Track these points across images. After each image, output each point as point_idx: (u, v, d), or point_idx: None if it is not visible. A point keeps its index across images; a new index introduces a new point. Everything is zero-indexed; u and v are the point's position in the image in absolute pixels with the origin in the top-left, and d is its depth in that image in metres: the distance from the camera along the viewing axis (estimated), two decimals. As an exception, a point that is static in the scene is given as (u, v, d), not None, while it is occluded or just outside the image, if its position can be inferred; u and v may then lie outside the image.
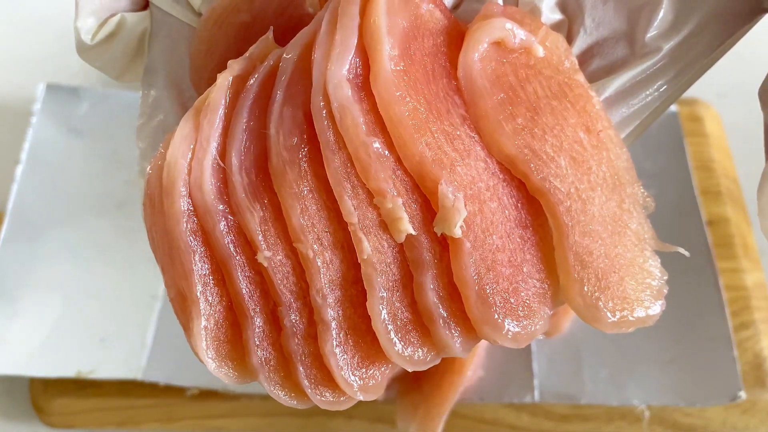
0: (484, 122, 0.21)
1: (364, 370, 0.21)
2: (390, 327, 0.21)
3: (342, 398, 0.22)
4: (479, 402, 0.43)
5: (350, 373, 0.21)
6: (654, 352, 0.44)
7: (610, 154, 0.22)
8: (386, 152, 0.21)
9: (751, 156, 0.53)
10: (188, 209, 0.22)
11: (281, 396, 0.22)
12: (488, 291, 0.20)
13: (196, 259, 0.22)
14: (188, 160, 0.22)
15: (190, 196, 0.22)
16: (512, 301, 0.21)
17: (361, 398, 0.21)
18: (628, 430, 0.43)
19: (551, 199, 0.21)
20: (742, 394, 0.41)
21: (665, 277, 0.21)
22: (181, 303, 0.22)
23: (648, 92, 0.22)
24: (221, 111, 0.23)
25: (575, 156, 0.21)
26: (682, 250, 0.22)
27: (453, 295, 0.21)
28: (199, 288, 0.22)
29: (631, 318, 0.21)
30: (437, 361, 0.22)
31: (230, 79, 0.23)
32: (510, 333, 0.20)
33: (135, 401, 0.45)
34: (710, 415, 0.43)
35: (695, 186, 0.49)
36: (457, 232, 0.20)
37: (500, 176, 0.21)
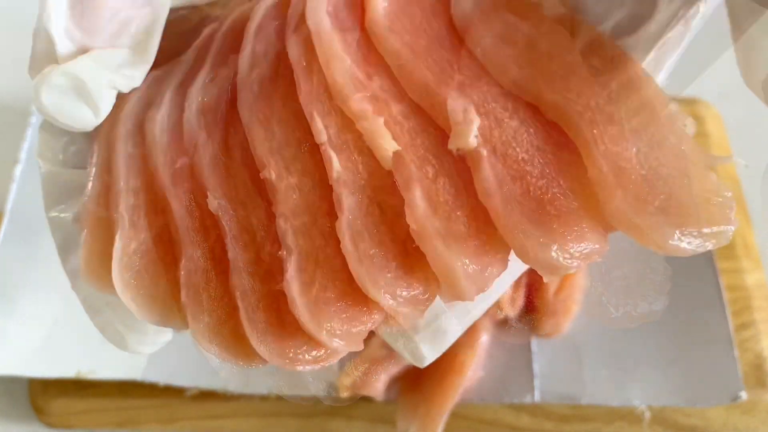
0: (482, 48, 0.20)
1: (335, 310, 0.17)
2: (361, 246, 0.17)
3: (304, 350, 0.17)
4: (479, 402, 0.43)
5: (317, 307, 0.17)
6: (654, 352, 0.43)
7: (629, 74, 0.19)
8: (366, 79, 0.19)
9: (752, 156, 0.53)
10: (134, 141, 0.22)
11: (209, 342, 0.18)
12: (516, 197, 0.17)
13: (131, 180, 0.21)
14: (143, 104, 0.22)
15: (141, 131, 0.22)
16: (550, 209, 0.17)
17: (334, 345, 0.17)
18: (629, 430, 0.43)
19: (569, 111, 0.18)
20: (743, 395, 0.41)
21: (729, 193, 0.18)
22: (99, 222, 0.21)
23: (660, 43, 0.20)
24: (189, 62, 0.23)
25: (587, 76, 0.19)
26: (741, 161, 0.19)
27: (451, 216, 0.18)
28: (126, 208, 0.20)
29: (698, 232, 0.16)
30: (424, 308, 0.18)
31: (204, 37, 0.23)
32: (550, 246, 0.16)
33: (135, 401, 0.45)
34: (711, 416, 0.43)
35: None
36: (472, 142, 0.18)
37: (521, 100, 0.19)
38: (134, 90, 0.22)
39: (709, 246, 0.16)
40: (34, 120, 0.51)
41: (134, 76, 0.22)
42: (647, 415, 0.43)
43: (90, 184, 0.22)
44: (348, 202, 0.18)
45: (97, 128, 0.22)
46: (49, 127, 0.24)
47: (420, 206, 0.17)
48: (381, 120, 0.18)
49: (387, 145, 0.18)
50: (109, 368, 0.43)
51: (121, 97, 0.23)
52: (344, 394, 0.42)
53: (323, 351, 0.17)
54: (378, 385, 0.43)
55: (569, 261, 0.16)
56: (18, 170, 0.49)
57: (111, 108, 0.23)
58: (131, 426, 0.45)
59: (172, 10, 0.24)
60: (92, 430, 0.45)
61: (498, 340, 0.45)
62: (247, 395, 0.44)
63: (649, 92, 0.19)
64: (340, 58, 0.19)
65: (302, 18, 0.20)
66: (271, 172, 0.19)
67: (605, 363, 0.44)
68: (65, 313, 0.45)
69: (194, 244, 0.19)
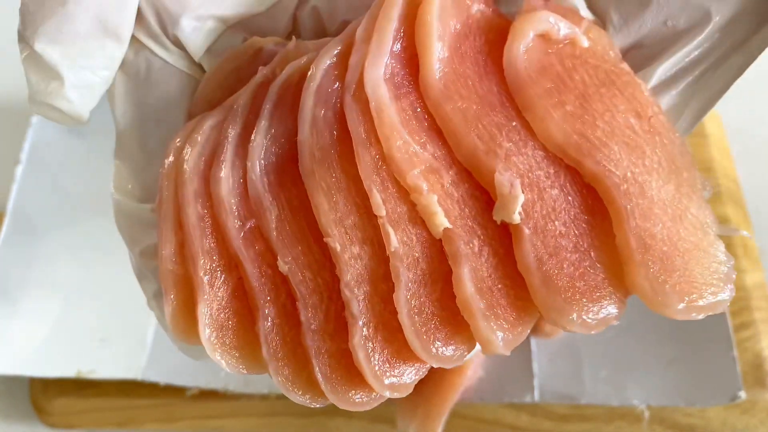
0: (531, 111, 0.21)
1: (393, 366, 0.21)
2: (417, 319, 0.20)
3: (365, 396, 0.21)
4: (479, 402, 0.43)
5: (378, 368, 0.21)
6: (654, 352, 0.44)
7: (663, 138, 0.21)
8: (420, 150, 0.21)
9: (751, 156, 0.53)
10: (203, 201, 0.23)
11: (290, 390, 0.22)
12: (552, 276, 0.20)
13: (205, 241, 0.22)
14: (205, 158, 0.23)
15: (207, 190, 0.23)
16: (579, 285, 0.20)
17: (388, 395, 0.21)
18: (628, 430, 0.43)
19: (607, 182, 0.20)
20: (742, 394, 0.41)
21: (732, 262, 0.21)
22: (176, 278, 0.23)
23: (690, 79, 0.22)
24: (244, 113, 0.24)
25: (627, 141, 0.21)
26: (746, 233, 0.22)
27: (492, 288, 0.21)
28: (205, 272, 0.22)
29: (700, 303, 0.20)
30: (462, 361, 0.21)
31: (255, 84, 0.24)
32: (578, 318, 0.20)
33: (135, 401, 0.45)
34: (710, 415, 0.43)
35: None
36: (516, 218, 0.20)
37: (562, 164, 0.21)
38: (192, 140, 0.24)
39: (703, 316, 0.20)
40: (35, 120, 0.51)
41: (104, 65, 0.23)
42: (646, 414, 0.43)
43: (164, 240, 0.23)
44: (404, 277, 0.20)
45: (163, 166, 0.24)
46: (122, 154, 0.25)
47: (466, 286, 0.20)
48: (434, 198, 0.21)
49: (439, 221, 0.20)
50: (109, 368, 0.44)
51: (180, 139, 0.24)
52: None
53: (379, 395, 0.21)
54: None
55: (587, 329, 0.20)
56: (18, 170, 0.49)
57: (93, 101, 0.24)
58: (131, 426, 0.45)
59: (226, 35, 0.25)
60: (92, 430, 0.45)
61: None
62: (247, 395, 0.44)
63: (679, 159, 0.21)
64: (397, 133, 0.21)
65: (360, 83, 0.21)
66: (336, 244, 0.21)
67: (604, 363, 0.44)
68: (65, 313, 0.46)
69: (268, 304, 0.22)
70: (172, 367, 0.44)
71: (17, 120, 0.54)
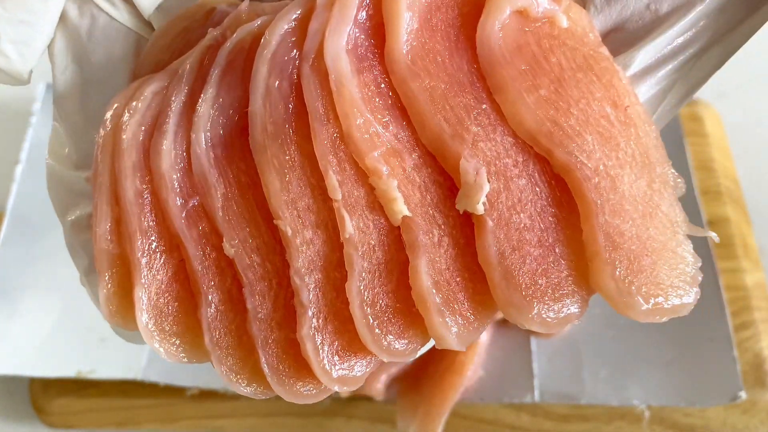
0: (503, 94, 0.20)
1: (343, 359, 0.20)
2: (368, 312, 0.19)
3: (313, 389, 0.20)
4: (479, 402, 0.43)
5: (327, 360, 0.19)
6: (654, 352, 0.44)
7: (639, 131, 0.20)
8: (382, 129, 0.20)
9: (751, 155, 0.53)
10: (141, 176, 0.21)
11: (233, 381, 0.20)
12: (514, 271, 0.19)
13: (144, 219, 0.21)
14: (146, 127, 0.21)
15: (146, 163, 0.21)
16: (541, 282, 0.19)
17: (337, 389, 0.20)
18: (628, 430, 0.43)
19: (578, 174, 0.19)
20: (742, 394, 0.41)
21: (699, 264, 0.20)
22: (114, 259, 0.21)
23: (670, 68, 0.21)
24: (190, 79, 0.22)
25: (602, 131, 0.20)
26: (713, 235, 0.21)
27: (450, 281, 0.19)
28: (143, 253, 0.21)
29: (666, 306, 0.19)
30: (415, 355, 0.20)
31: (204, 48, 0.22)
32: (537, 316, 0.19)
33: (135, 401, 0.45)
34: (710, 415, 0.43)
35: (695, 186, 0.49)
36: (480, 209, 0.19)
37: (531, 152, 0.20)
38: (132, 107, 0.22)
39: (667, 319, 0.19)
40: (34, 120, 0.51)
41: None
42: (647, 414, 0.43)
43: (99, 216, 0.21)
44: (358, 266, 0.19)
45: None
46: (60, 116, 0.24)
47: (423, 279, 0.19)
48: (395, 183, 0.19)
49: (398, 207, 0.19)
50: (109, 368, 0.43)
51: (118, 105, 0.22)
52: (344, 394, 0.42)
53: (327, 389, 0.20)
54: (378, 385, 0.43)
55: (547, 327, 0.19)
56: (18, 170, 0.49)
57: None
58: (131, 426, 0.45)
59: None
60: (92, 430, 0.45)
61: (498, 340, 0.45)
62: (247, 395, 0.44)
63: (653, 153, 0.20)
64: (357, 110, 0.19)
65: (320, 52, 0.20)
66: (287, 228, 0.20)
67: (605, 363, 0.44)
68: (65, 313, 0.46)
69: (212, 289, 0.21)
70: (172, 367, 0.43)
71: (17, 120, 0.54)
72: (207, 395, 0.44)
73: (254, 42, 0.21)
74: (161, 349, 0.20)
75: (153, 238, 0.21)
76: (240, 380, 0.20)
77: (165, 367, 0.44)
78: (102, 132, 0.22)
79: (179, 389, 0.44)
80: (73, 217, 0.24)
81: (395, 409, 0.43)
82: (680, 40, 0.21)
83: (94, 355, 0.44)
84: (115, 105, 0.22)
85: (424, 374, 0.43)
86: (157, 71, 0.23)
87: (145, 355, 0.44)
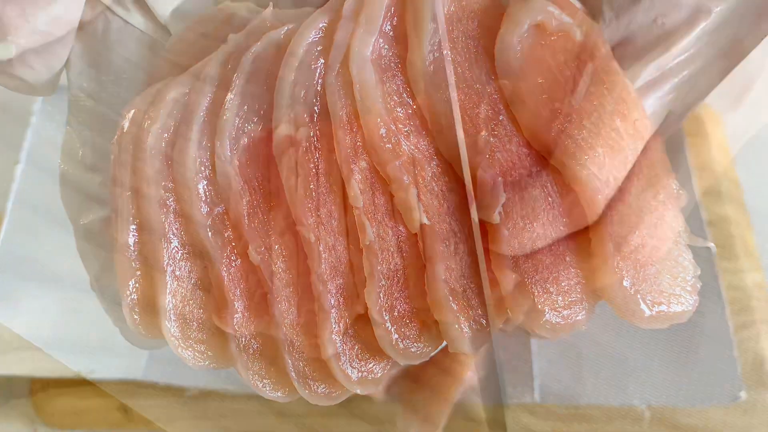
0: (520, 106, 0.21)
1: (363, 362, 0.20)
2: (387, 317, 0.20)
3: (335, 392, 0.21)
4: (479, 402, 0.43)
5: (349, 364, 0.20)
6: (654, 352, 0.43)
7: (646, 144, 0.21)
8: (403, 139, 0.20)
9: (752, 157, 0.53)
10: (165, 184, 0.21)
11: (260, 386, 0.21)
12: (527, 279, 0.20)
13: (168, 228, 0.21)
14: (168, 134, 0.22)
15: (169, 169, 0.21)
16: (552, 290, 0.20)
17: (358, 392, 0.21)
18: (629, 430, 0.43)
19: (589, 186, 0.20)
20: (743, 395, 0.41)
21: (698, 272, 0.21)
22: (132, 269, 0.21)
23: (675, 81, 0.22)
24: (212, 85, 0.22)
25: (612, 144, 0.20)
26: (712, 246, 0.22)
27: (465, 288, 0.20)
28: (167, 261, 0.21)
29: (668, 312, 0.20)
30: (428, 358, 0.21)
31: (225, 54, 0.22)
32: (548, 322, 0.20)
33: (135, 401, 0.45)
34: (711, 416, 0.43)
35: (695, 186, 0.49)
36: (496, 218, 0.20)
37: (544, 162, 0.21)
38: (154, 113, 0.22)
39: (668, 325, 0.20)
40: (34, 120, 0.51)
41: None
42: (647, 414, 0.43)
43: (120, 225, 0.21)
44: (377, 271, 0.20)
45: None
46: (74, 119, 0.24)
47: (440, 286, 0.19)
48: (415, 192, 0.20)
49: (417, 216, 0.20)
50: (109, 368, 0.43)
51: (137, 110, 0.22)
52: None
53: (347, 390, 0.21)
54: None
55: (555, 334, 0.20)
56: (18, 170, 0.49)
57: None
58: (131, 426, 0.45)
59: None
60: (92, 430, 0.45)
61: (498, 341, 0.45)
62: (247, 395, 0.44)
63: (659, 165, 0.21)
64: (381, 121, 0.20)
65: (345, 62, 0.20)
66: (310, 234, 0.20)
67: (605, 363, 0.44)
68: (65, 313, 0.45)
69: (237, 296, 0.21)
70: (172, 367, 0.43)
71: (17, 120, 0.54)
72: (207, 395, 0.44)
73: (279, 51, 0.21)
74: (187, 357, 0.21)
75: (177, 246, 0.21)
76: (266, 384, 0.21)
77: (165, 368, 0.44)
78: (120, 136, 0.22)
79: (179, 389, 0.44)
80: (86, 222, 0.24)
81: (395, 409, 0.43)
82: (685, 54, 0.22)
83: (94, 355, 0.44)
84: (134, 110, 0.22)
85: (425, 375, 0.43)
86: (173, 75, 0.23)
87: (145, 355, 0.44)
